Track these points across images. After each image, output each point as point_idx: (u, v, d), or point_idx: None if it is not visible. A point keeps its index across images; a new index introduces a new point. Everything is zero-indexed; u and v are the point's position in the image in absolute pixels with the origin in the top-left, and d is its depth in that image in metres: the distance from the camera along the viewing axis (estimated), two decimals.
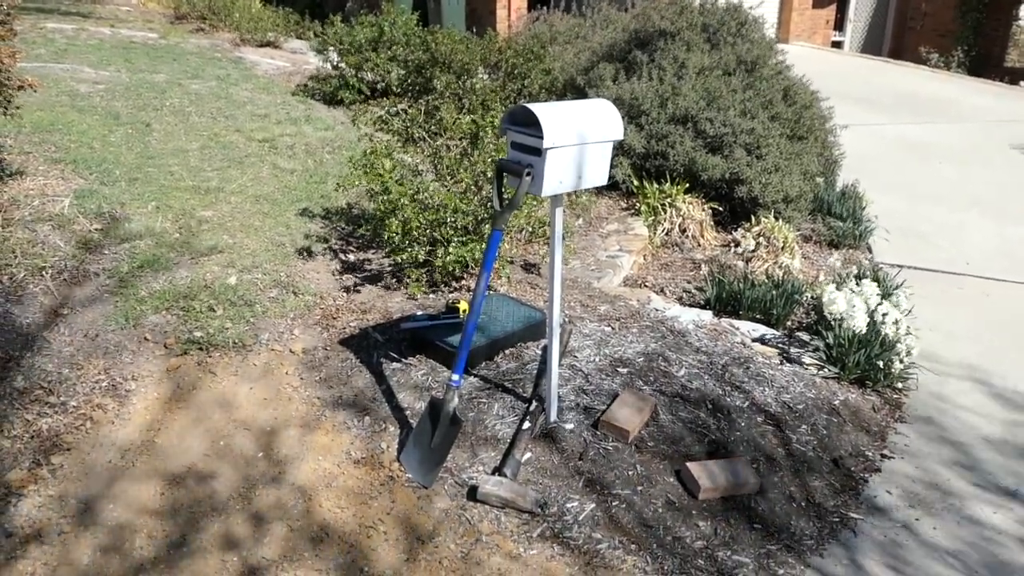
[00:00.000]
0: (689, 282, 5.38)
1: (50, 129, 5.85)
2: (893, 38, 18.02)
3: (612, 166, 6.20)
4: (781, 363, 4.25)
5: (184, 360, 3.68)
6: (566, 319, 4.28)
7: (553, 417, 3.46)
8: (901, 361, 4.16)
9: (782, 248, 5.66)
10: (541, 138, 2.77)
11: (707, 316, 4.62)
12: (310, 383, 3.64)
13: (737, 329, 4.55)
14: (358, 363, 3.76)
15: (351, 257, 4.71)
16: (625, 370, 3.88)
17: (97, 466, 3.16)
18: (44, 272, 4.04)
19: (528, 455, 3.29)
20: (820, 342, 4.40)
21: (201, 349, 3.73)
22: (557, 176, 2.90)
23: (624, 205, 6.30)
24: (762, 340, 4.51)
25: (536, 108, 2.79)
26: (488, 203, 4.56)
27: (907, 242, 6.39)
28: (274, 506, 3.06)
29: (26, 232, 4.34)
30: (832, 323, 4.37)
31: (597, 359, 3.95)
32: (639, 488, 3.21)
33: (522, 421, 3.40)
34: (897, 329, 4.24)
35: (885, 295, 4.68)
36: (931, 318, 4.93)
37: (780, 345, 4.46)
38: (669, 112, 6.36)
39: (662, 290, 5.24)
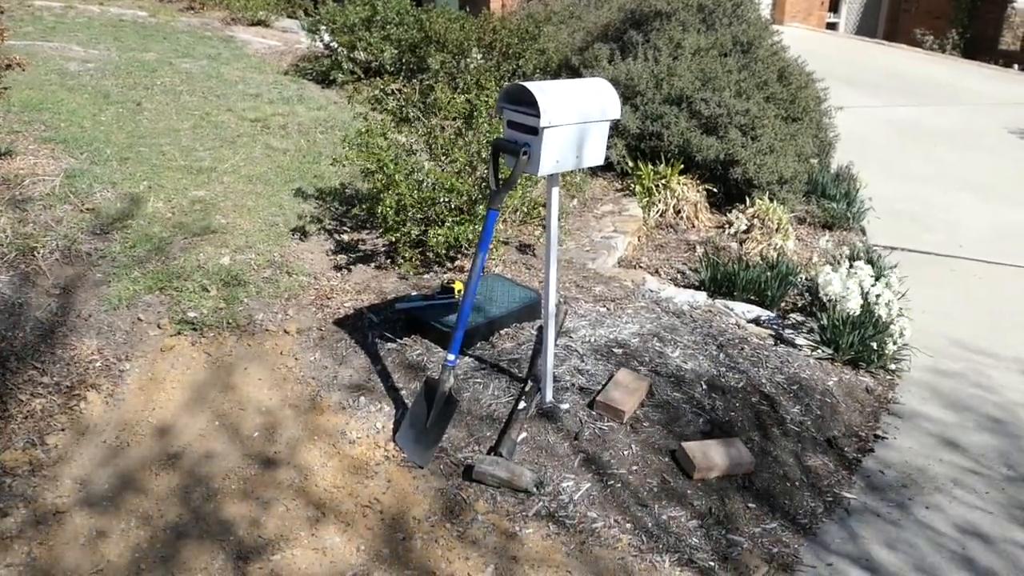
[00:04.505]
0: (684, 263, 5.38)
1: (39, 108, 5.78)
2: (888, 20, 17.99)
3: (607, 147, 6.18)
4: (775, 344, 4.26)
5: (178, 341, 3.66)
6: (561, 300, 4.28)
7: (549, 397, 3.46)
8: (895, 343, 4.18)
9: (776, 229, 5.66)
10: (538, 117, 2.75)
11: (701, 297, 4.62)
12: (305, 364, 3.63)
13: (731, 310, 4.55)
14: (353, 344, 3.75)
15: (345, 237, 4.69)
16: (620, 351, 3.88)
17: (92, 446, 3.16)
18: (35, 252, 4.00)
19: (524, 435, 3.29)
20: (814, 323, 4.41)
21: (195, 330, 3.72)
22: (554, 156, 2.88)
23: (619, 186, 6.28)
24: (756, 321, 4.52)
25: (533, 87, 2.77)
26: (483, 183, 4.54)
27: (900, 224, 6.40)
28: (270, 486, 3.06)
29: (17, 212, 4.29)
30: (827, 305, 4.39)
31: (592, 339, 3.95)
32: (635, 468, 3.22)
33: (517, 401, 3.40)
34: (890, 311, 4.25)
35: (878, 277, 4.69)
36: (924, 300, 4.95)
37: (774, 326, 4.47)
38: (664, 93, 6.33)
39: (657, 271, 5.24)
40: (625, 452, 3.28)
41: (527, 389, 3.46)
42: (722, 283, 4.92)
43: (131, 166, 5.07)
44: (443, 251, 4.37)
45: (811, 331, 4.39)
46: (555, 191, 3.08)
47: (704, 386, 3.73)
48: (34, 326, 3.59)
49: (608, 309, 4.28)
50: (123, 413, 3.32)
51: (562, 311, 4.06)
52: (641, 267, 5.27)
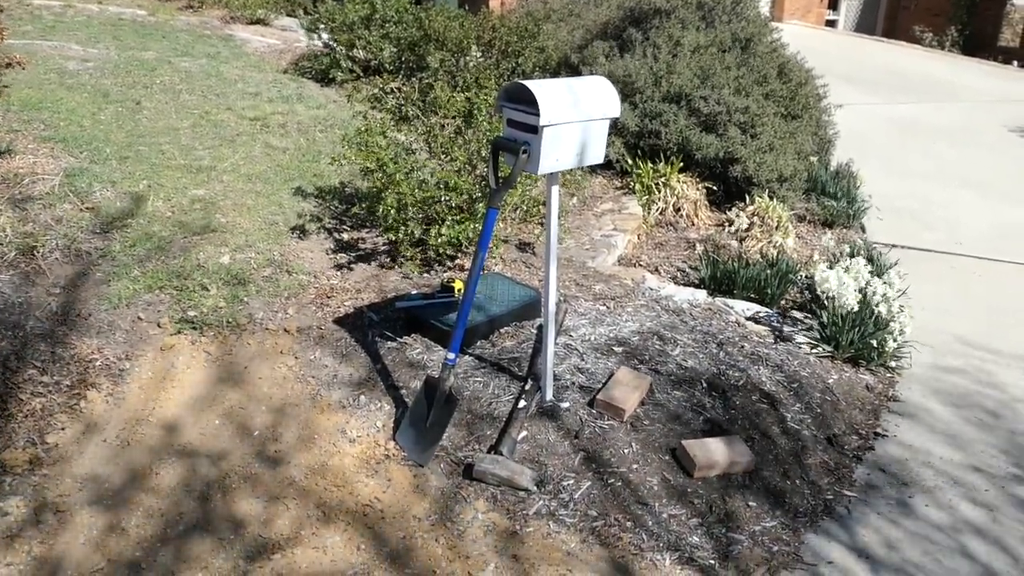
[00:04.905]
0: (683, 261, 5.38)
1: (39, 107, 5.78)
2: (887, 18, 17.99)
3: (606, 145, 6.18)
4: (775, 342, 4.26)
5: (178, 340, 3.66)
6: (561, 298, 4.28)
7: (549, 396, 3.46)
8: (895, 340, 4.18)
9: (776, 227, 5.66)
10: (537, 115, 2.75)
11: (701, 295, 4.62)
12: (305, 363, 3.63)
13: (731, 308, 4.55)
14: (353, 343, 3.75)
15: (345, 236, 4.68)
16: (620, 349, 3.88)
17: (92, 445, 3.16)
18: (35, 251, 4.00)
19: (524, 433, 3.29)
20: (814, 321, 4.41)
21: (195, 328, 3.71)
22: (554, 154, 2.88)
23: (618, 184, 6.28)
24: (756, 319, 4.52)
25: (532, 85, 2.77)
26: (483, 182, 4.54)
27: (900, 222, 6.40)
28: (270, 484, 3.06)
29: (16, 211, 4.29)
30: (825, 302, 4.38)
31: (592, 338, 3.95)
32: (635, 466, 3.22)
33: (518, 400, 3.40)
34: (890, 308, 4.26)
35: (878, 274, 4.69)
36: (924, 297, 4.95)
37: (774, 324, 4.47)
38: (663, 90, 6.32)
39: (656, 269, 5.24)
40: (625, 451, 3.28)
41: (527, 388, 3.46)
42: (722, 281, 4.92)
43: (131, 165, 5.07)
44: (444, 250, 4.37)
45: (811, 328, 4.39)
46: (555, 189, 3.08)
47: (704, 384, 3.73)
48: (34, 325, 3.59)
49: (608, 307, 4.28)
50: (123, 412, 3.31)
51: (562, 309, 4.06)
52: (641, 265, 5.27)
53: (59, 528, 2.83)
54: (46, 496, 2.94)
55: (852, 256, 5.09)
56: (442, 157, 4.71)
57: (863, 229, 6.27)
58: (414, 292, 4.15)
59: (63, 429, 3.19)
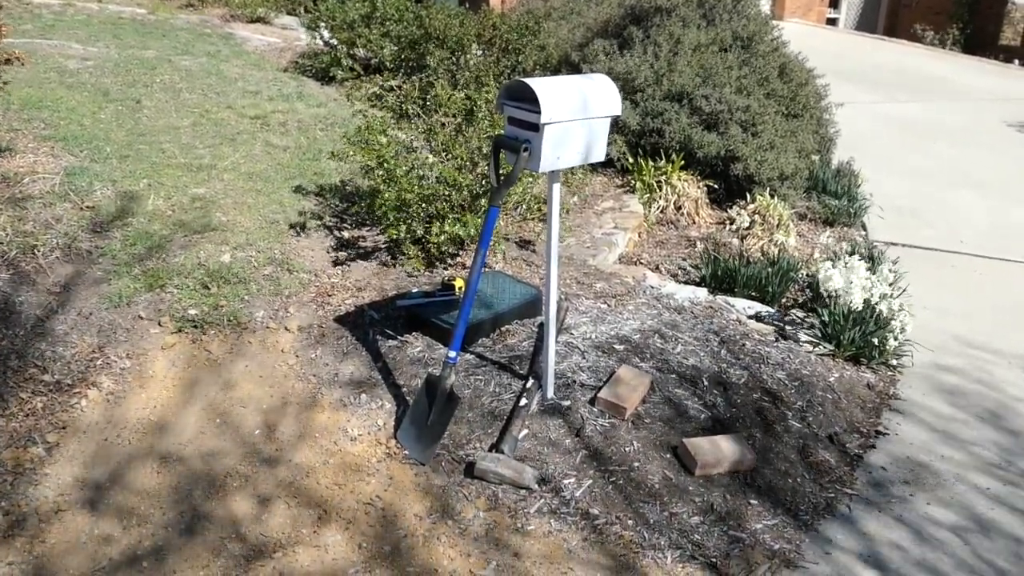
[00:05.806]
0: (684, 259, 5.37)
1: (39, 106, 5.77)
2: (888, 16, 17.98)
3: (607, 143, 6.17)
4: (776, 340, 4.26)
5: (179, 338, 3.66)
6: (562, 296, 4.27)
7: (550, 394, 3.46)
8: (895, 338, 4.18)
9: (777, 226, 5.65)
10: (539, 113, 2.75)
11: (702, 293, 4.62)
12: (306, 361, 3.62)
13: (732, 306, 4.55)
14: (354, 341, 3.75)
15: (345, 234, 4.68)
16: (621, 347, 3.88)
17: (93, 444, 3.15)
18: (36, 250, 4.00)
19: (525, 432, 3.29)
20: (815, 319, 4.41)
21: (196, 327, 3.71)
22: (555, 152, 2.87)
23: (619, 183, 6.27)
24: (757, 317, 4.51)
25: (534, 83, 2.76)
26: (484, 179, 4.54)
27: (901, 220, 6.40)
28: (272, 484, 3.06)
29: (16, 210, 4.29)
30: (828, 300, 4.38)
31: (593, 336, 3.95)
32: (636, 464, 3.22)
33: (519, 398, 3.40)
34: (890, 306, 4.25)
35: (872, 270, 4.69)
36: (924, 295, 4.95)
37: (775, 322, 4.47)
38: (664, 89, 6.32)
39: (657, 267, 5.24)
40: (627, 448, 3.28)
41: (528, 386, 3.45)
42: (723, 279, 4.91)
43: (131, 164, 5.06)
44: (444, 248, 4.36)
45: (812, 327, 4.39)
46: (556, 187, 3.07)
47: (705, 382, 3.73)
48: (35, 324, 3.59)
49: (609, 305, 4.28)
50: (124, 411, 3.31)
51: (563, 308, 4.05)
52: (642, 263, 5.27)
53: (60, 527, 2.83)
54: (47, 495, 2.93)
55: (852, 255, 5.08)
56: (443, 155, 4.70)
57: (864, 227, 6.26)
58: (415, 290, 4.15)
59: (64, 428, 3.19)
